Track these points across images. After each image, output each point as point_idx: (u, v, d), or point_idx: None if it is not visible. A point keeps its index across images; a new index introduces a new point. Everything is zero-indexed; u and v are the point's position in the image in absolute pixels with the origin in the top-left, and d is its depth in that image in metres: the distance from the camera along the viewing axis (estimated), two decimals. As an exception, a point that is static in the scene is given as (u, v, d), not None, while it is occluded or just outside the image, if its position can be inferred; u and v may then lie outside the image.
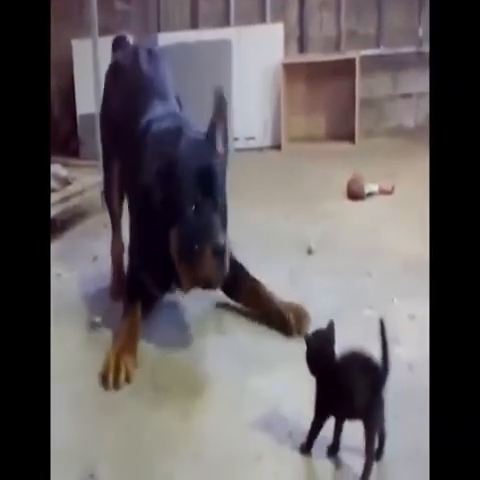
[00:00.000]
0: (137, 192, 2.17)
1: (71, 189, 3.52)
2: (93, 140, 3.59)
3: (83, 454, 1.59)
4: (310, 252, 2.83)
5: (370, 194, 3.69)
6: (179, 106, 2.47)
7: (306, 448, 1.53)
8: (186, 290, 2.09)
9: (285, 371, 1.87)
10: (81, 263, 2.86)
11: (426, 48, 5.04)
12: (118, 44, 2.77)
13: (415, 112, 5.51)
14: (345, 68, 5.16)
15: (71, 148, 5.27)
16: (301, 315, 2.14)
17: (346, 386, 1.43)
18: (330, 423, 1.51)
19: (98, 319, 2.29)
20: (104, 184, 2.75)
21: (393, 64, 5.44)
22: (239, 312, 2.31)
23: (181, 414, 1.74)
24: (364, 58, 5.24)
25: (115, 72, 2.61)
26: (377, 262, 2.67)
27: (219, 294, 2.30)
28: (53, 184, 3.40)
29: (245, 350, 2.04)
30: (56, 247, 2.98)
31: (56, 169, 3.59)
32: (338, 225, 3.22)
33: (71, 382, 1.90)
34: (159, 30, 5.44)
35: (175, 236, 1.97)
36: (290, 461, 1.52)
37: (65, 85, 5.40)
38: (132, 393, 1.86)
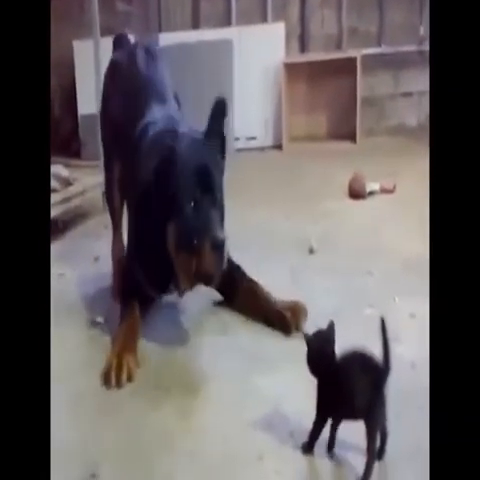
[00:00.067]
0: (135, 192, 2.18)
1: (72, 190, 3.53)
2: (94, 141, 3.59)
3: (83, 454, 1.59)
4: (312, 251, 2.83)
5: (371, 193, 3.69)
6: (178, 105, 2.47)
7: (308, 448, 1.53)
8: (184, 289, 2.09)
9: (287, 370, 1.87)
10: (82, 263, 2.86)
11: (427, 47, 5.02)
12: (119, 42, 2.77)
13: (416, 111, 5.51)
14: (346, 67, 5.16)
15: (73, 149, 5.28)
16: (298, 310, 2.15)
17: (347, 386, 1.43)
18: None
19: (100, 319, 2.29)
20: (105, 184, 2.75)
21: (394, 63, 5.45)
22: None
23: (182, 413, 1.74)
24: (365, 57, 5.25)
25: (113, 71, 2.62)
26: (378, 261, 2.67)
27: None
28: (54, 185, 3.40)
29: (246, 349, 2.04)
30: (57, 247, 2.99)
31: (57, 170, 3.59)
32: (339, 224, 3.21)
33: (71, 382, 1.90)
34: (160, 30, 5.45)
35: (174, 231, 1.97)
36: (292, 460, 1.52)
37: (66, 85, 5.41)
38: (132, 392, 1.86)
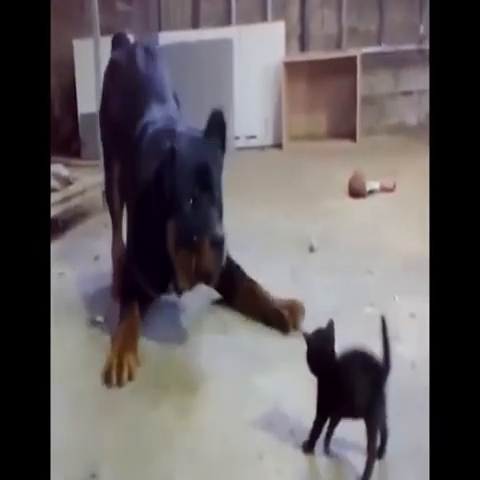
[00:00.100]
0: (135, 191, 2.18)
1: (72, 189, 3.53)
2: (94, 140, 3.58)
3: (83, 454, 1.59)
4: (312, 250, 2.83)
5: (371, 192, 3.69)
6: (177, 104, 2.47)
7: (308, 447, 1.53)
8: (183, 288, 2.09)
9: (286, 368, 1.87)
10: (82, 263, 2.86)
11: (427, 45, 5.02)
12: (118, 42, 2.77)
13: (416, 109, 5.51)
14: (346, 66, 5.16)
15: (73, 148, 5.28)
16: (295, 309, 2.15)
17: (347, 385, 1.43)
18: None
19: (100, 318, 2.29)
20: (105, 183, 2.75)
21: (394, 61, 5.44)
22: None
23: (181, 412, 1.74)
24: (365, 56, 5.24)
25: (113, 70, 2.62)
26: (378, 260, 2.67)
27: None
28: (54, 184, 3.40)
29: (246, 348, 2.04)
30: (57, 247, 2.99)
31: (57, 169, 3.59)
32: (339, 223, 3.21)
33: (71, 381, 1.90)
34: (160, 30, 5.44)
35: (173, 229, 1.98)
36: (292, 459, 1.51)
37: (66, 85, 5.41)
38: (132, 391, 1.86)
